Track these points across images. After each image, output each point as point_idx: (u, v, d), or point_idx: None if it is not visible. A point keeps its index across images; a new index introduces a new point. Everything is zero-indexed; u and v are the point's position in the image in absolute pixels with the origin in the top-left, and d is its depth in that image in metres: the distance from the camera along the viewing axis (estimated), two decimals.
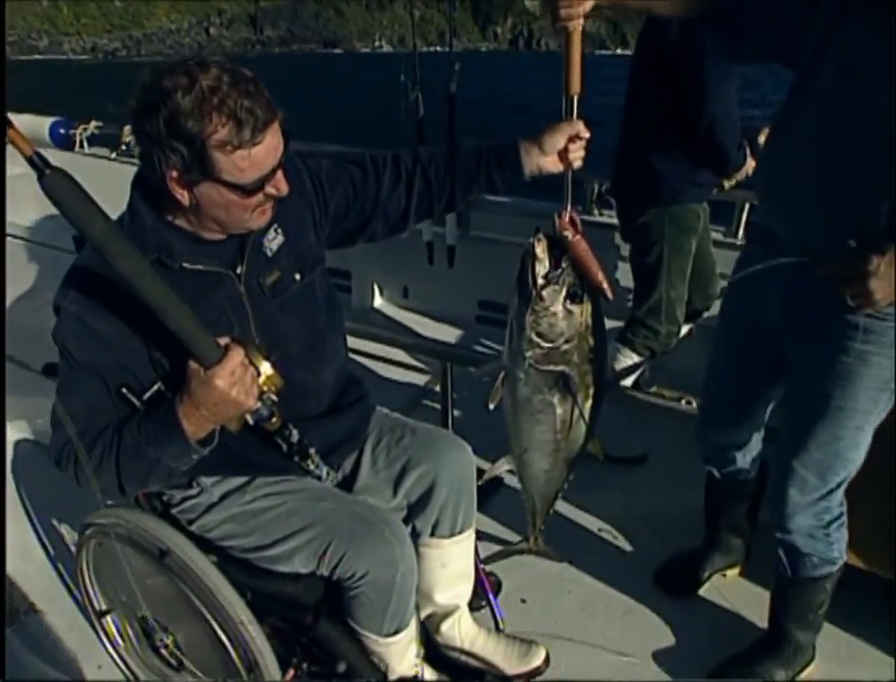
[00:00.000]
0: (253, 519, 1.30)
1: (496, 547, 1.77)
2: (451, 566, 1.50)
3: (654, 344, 2.40)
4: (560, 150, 1.21)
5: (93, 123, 4.08)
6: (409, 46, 2.85)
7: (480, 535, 1.79)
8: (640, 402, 2.21)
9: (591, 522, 2.09)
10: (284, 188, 1.11)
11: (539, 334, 1.12)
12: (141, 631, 1.54)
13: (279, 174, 1.09)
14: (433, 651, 1.58)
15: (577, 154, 1.21)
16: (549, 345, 1.13)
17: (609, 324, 1.24)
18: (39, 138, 3.79)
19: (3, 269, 1.86)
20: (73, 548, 1.56)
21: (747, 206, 2.76)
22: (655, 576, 1.89)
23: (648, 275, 2.34)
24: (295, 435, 1.24)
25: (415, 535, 1.46)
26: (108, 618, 1.59)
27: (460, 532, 1.47)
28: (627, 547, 2.02)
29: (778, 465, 1.46)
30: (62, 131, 3.99)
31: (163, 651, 1.51)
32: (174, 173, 1.03)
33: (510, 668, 1.58)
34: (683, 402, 2.42)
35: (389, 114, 2.83)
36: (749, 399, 1.58)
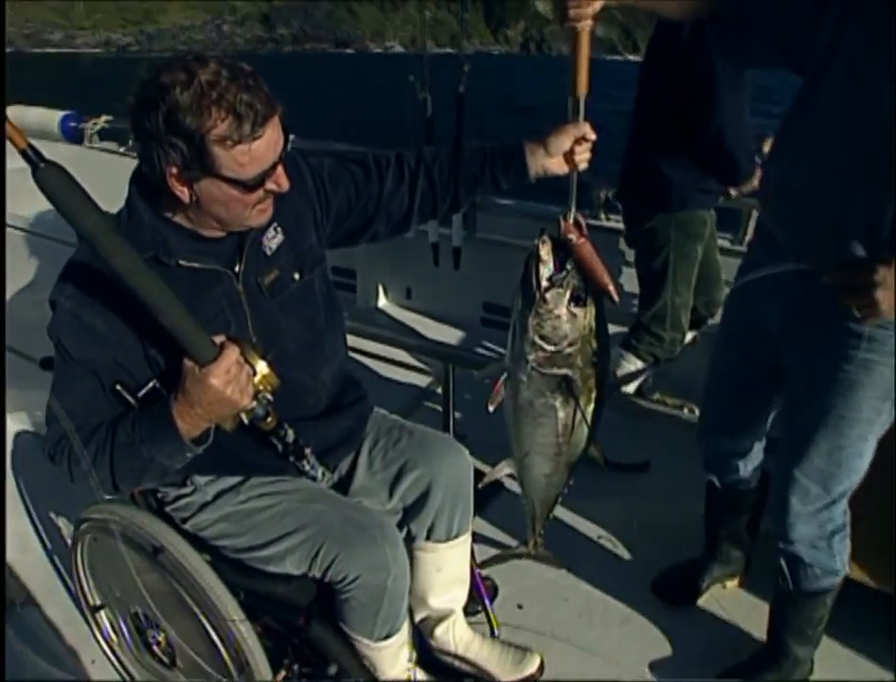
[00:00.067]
0: (246, 519, 1.29)
1: (495, 551, 1.76)
2: (446, 571, 1.49)
3: (657, 351, 2.39)
4: (565, 151, 1.20)
5: (103, 118, 4.09)
6: (420, 47, 2.86)
7: (479, 539, 1.78)
8: (643, 409, 2.19)
9: (590, 529, 2.07)
10: (285, 184, 1.10)
11: (542, 337, 1.11)
12: (134, 627, 1.54)
13: (280, 170, 1.08)
14: (427, 655, 1.57)
15: (582, 156, 1.20)
16: (552, 348, 1.12)
17: (613, 330, 1.23)
18: (49, 132, 3.80)
19: (3, 261, 1.86)
20: (70, 542, 1.56)
21: (754, 213, 2.74)
22: (654, 585, 1.87)
23: (653, 281, 2.33)
24: (291, 435, 1.23)
25: (410, 539, 1.45)
26: (101, 613, 1.59)
27: (456, 537, 1.46)
28: (626, 554, 2.00)
29: (779, 474, 1.45)
30: (72, 124, 4.00)
31: (155, 648, 1.50)
32: (174, 170, 1.02)
33: (504, 675, 1.57)
34: (686, 410, 2.41)
35: (399, 114, 2.82)
36: (750, 407, 1.57)
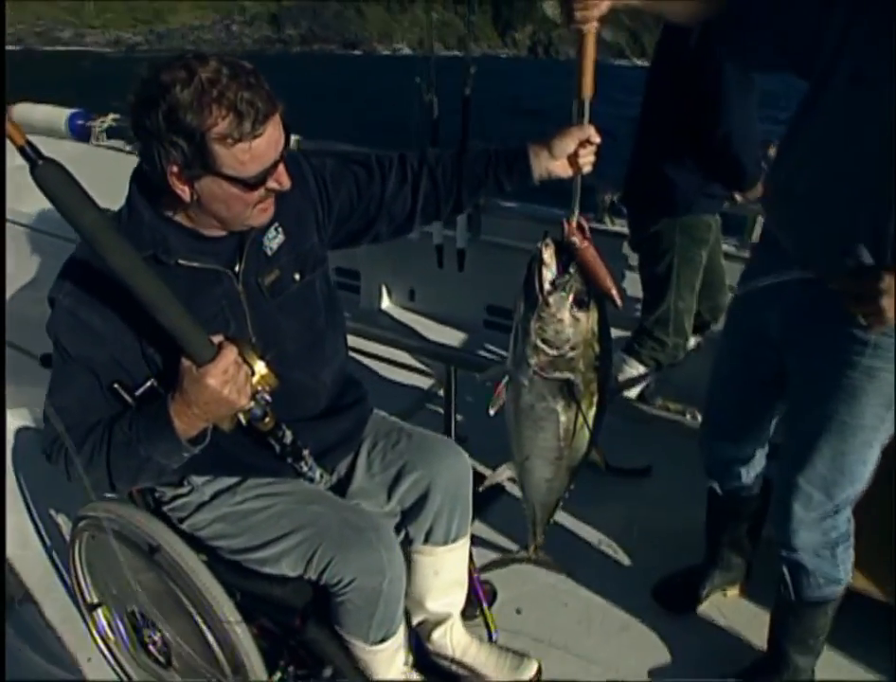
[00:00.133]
0: (243, 520, 1.29)
1: (495, 555, 1.75)
2: (444, 574, 1.48)
3: (660, 356, 2.37)
4: (569, 154, 1.19)
5: (111, 116, 4.10)
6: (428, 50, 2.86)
7: (479, 542, 1.77)
8: (645, 414, 2.18)
9: (591, 534, 2.06)
10: (286, 183, 1.09)
11: (544, 341, 1.11)
12: (130, 626, 1.53)
13: (281, 168, 1.08)
14: (423, 659, 1.56)
15: (587, 159, 1.19)
16: (555, 352, 1.11)
17: (615, 334, 1.22)
18: (57, 129, 3.81)
19: (3, 257, 1.86)
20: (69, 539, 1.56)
21: (760, 218, 2.72)
22: (654, 592, 1.86)
23: (657, 285, 2.32)
24: (289, 436, 1.22)
25: (408, 542, 1.44)
26: (98, 611, 1.59)
27: (454, 540, 1.45)
28: (626, 560, 1.99)
29: (781, 481, 1.43)
30: (80, 122, 4.01)
31: (151, 647, 1.50)
32: (175, 168, 1.01)
33: (501, 679, 1.55)
34: (688, 416, 2.40)
35: (405, 116, 2.82)
36: (752, 413, 1.56)
